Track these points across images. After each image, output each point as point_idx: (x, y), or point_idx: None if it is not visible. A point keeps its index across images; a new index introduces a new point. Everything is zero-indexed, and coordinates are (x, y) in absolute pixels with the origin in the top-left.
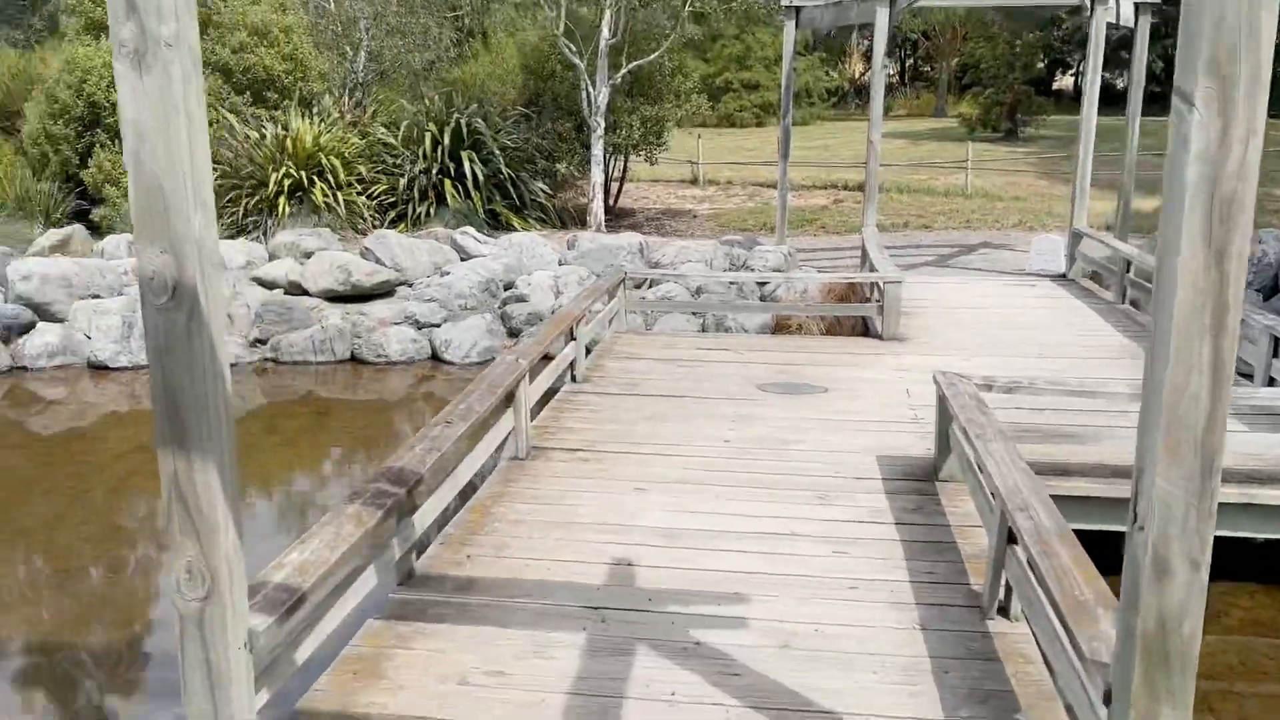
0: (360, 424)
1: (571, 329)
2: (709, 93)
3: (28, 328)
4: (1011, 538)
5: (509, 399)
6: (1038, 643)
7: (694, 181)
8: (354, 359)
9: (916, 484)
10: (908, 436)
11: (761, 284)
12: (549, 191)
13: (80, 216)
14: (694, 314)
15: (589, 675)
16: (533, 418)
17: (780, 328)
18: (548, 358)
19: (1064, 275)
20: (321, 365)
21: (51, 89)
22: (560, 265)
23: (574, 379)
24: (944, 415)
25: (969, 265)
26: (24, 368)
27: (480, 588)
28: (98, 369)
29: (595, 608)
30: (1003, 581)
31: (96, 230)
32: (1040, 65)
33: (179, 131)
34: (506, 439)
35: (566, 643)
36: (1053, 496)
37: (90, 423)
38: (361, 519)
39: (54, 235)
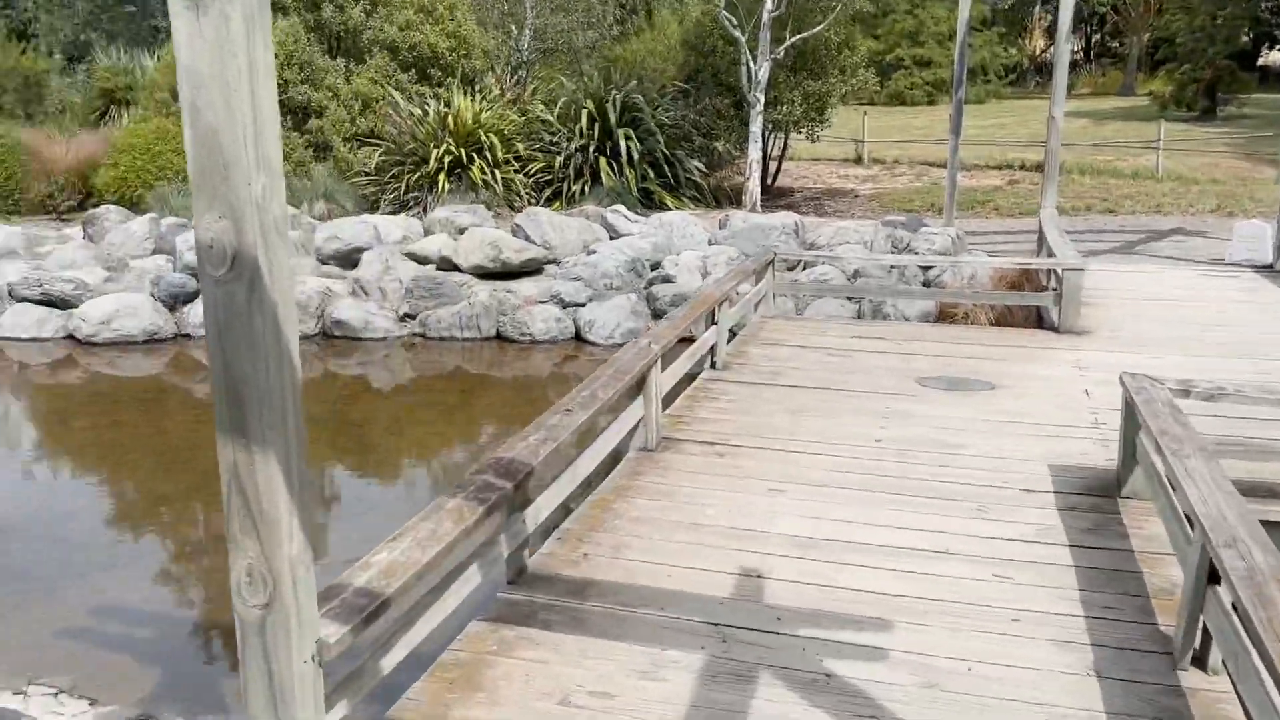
0: (502, 401)
1: (713, 311)
2: (878, 69)
3: (192, 297)
4: (1213, 576)
5: (638, 386)
6: (1243, 705)
7: (857, 160)
8: (499, 336)
9: (1095, 500)
10: (1086, 444)
11: (925, 268)
12: (704, 170)
13: None
14: (849, 299)
15: (703, 704)
16: (665, 406)
17: (944, 316)
18: (687, 340)
19: (1271, 266)
20: (467, 342)
21: None
22: (710, 245)
23: (713, 365)
24: (1131, 422)
25: (1159, 253)
26: (187, 335)
27: (594, 591)
28: None
29: (717, 624)
30: (1200, 626)
31: None
32: (1245, 39)
33: (239, 80)
34: (635, 428)
35: (682, 663)
36: (1261, 523)
37: None
38: (462, 515)
39: None
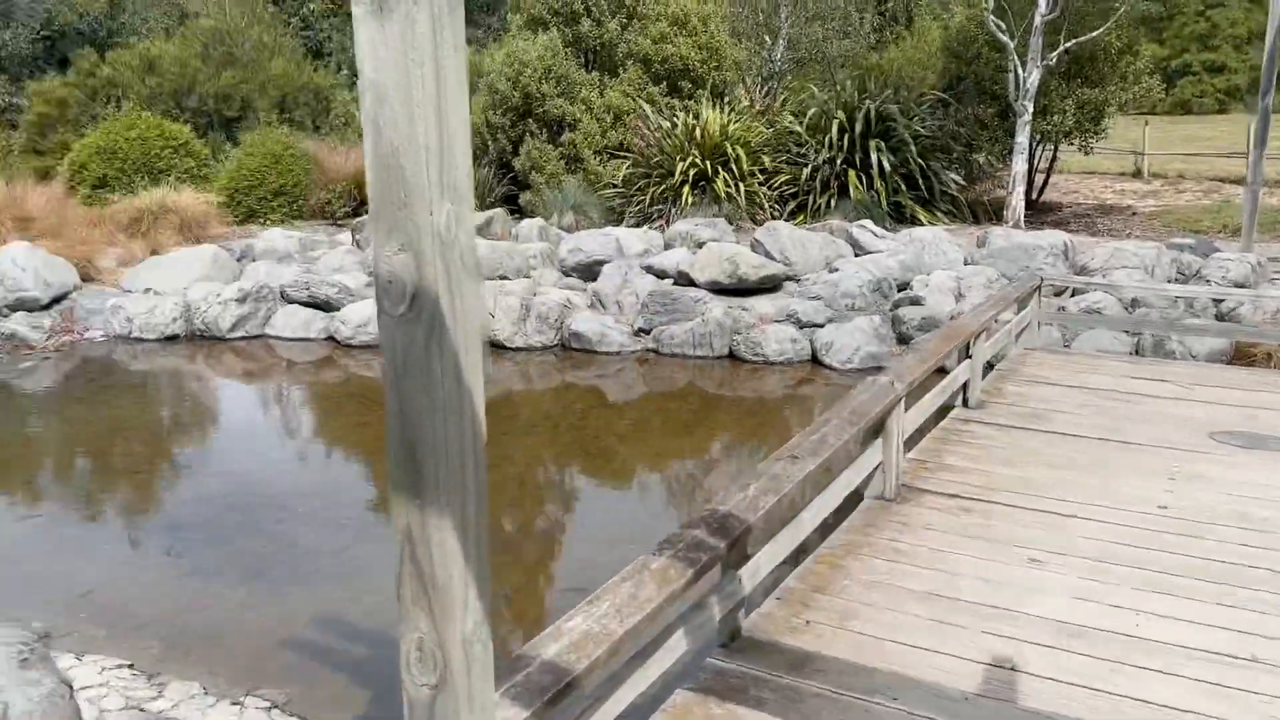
0: (733, 422)
1: (968, 344)
2: (1163, 76)
3: None
4: None
5: (877, 428)
6: None
7: (1136, 174)
8: (731, 355)
9: None
10: None
11: (1218, 300)
12: (961, 183)
13: (509, 201)
14: (1126, 332)
15: None
16: (908, 448)
17: (1241, 357)
18: (938, 371)
19: None
20: (699, 359)
21: (492, 81)
22: (965, 265)
23: (965, 403)
24: None
25: None
26: None
27: (815, 667)
28: (496, 347)
29: None
30: None
31: (523, 215)
32: None
33: (424, 92)
34: (872, 474)
35: None
36: None
37: (488, 397)
38: (668, 577)
39: (479, 217)
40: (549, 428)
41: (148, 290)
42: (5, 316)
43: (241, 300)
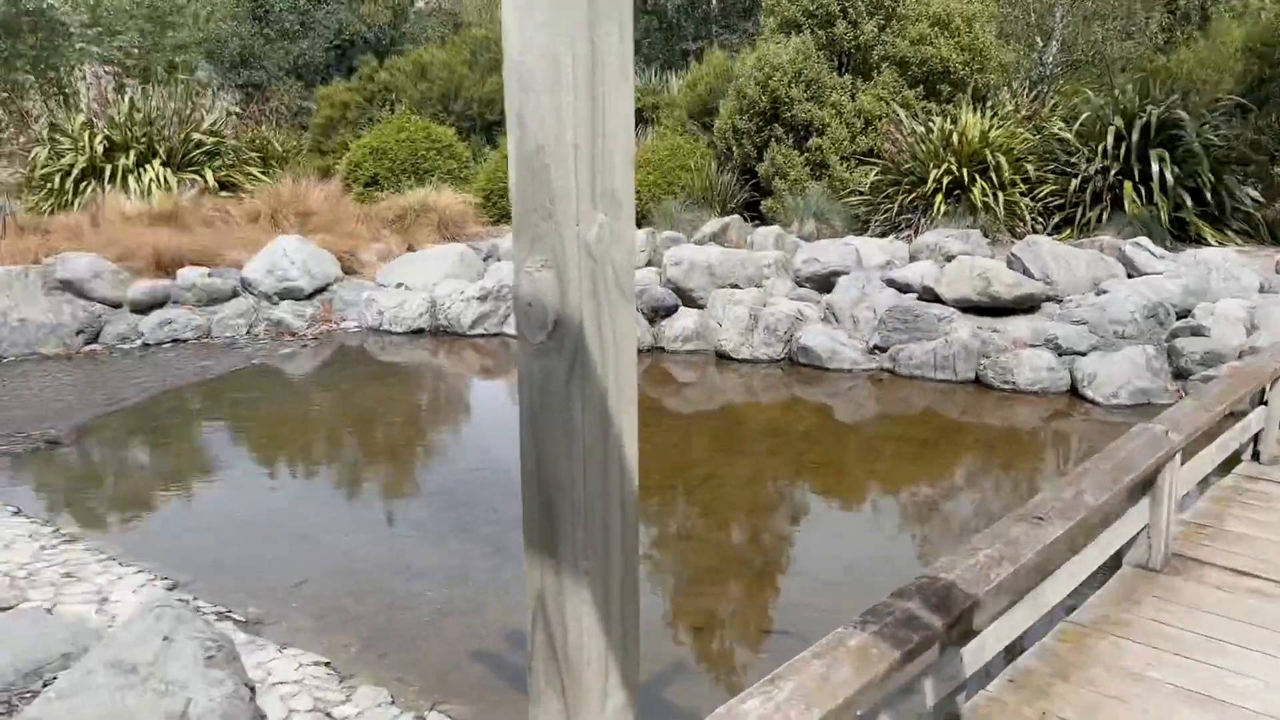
0: (972, 458)
1: (1263, 389)
2: None
3: (671, 311)
4: None
5: (1144, 485)
6: None
7: None
8: (976, 380)
9: None
10: None
11: None
12: (1259, 199)
13: (751, 207)
14: None
15: None
16: (1180, 508)
17: None
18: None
19: None
20: (939, 383)
21: (741, 85)
22: (1261, 293)
23: (1256, 457)
24: None
25: None
26: (662, 348)
27: None
28: (722, 358)
29: None
30: None
31: (762, 221)
32: None
33: (576, 78)
34: (1135, 537)
35: None
36: None
37: (710, 407)
38: (868, 658)
39: (715, 223)
40: (768, 446)
41: (399, 285)
42: (274, 304)
43: (482, 299)
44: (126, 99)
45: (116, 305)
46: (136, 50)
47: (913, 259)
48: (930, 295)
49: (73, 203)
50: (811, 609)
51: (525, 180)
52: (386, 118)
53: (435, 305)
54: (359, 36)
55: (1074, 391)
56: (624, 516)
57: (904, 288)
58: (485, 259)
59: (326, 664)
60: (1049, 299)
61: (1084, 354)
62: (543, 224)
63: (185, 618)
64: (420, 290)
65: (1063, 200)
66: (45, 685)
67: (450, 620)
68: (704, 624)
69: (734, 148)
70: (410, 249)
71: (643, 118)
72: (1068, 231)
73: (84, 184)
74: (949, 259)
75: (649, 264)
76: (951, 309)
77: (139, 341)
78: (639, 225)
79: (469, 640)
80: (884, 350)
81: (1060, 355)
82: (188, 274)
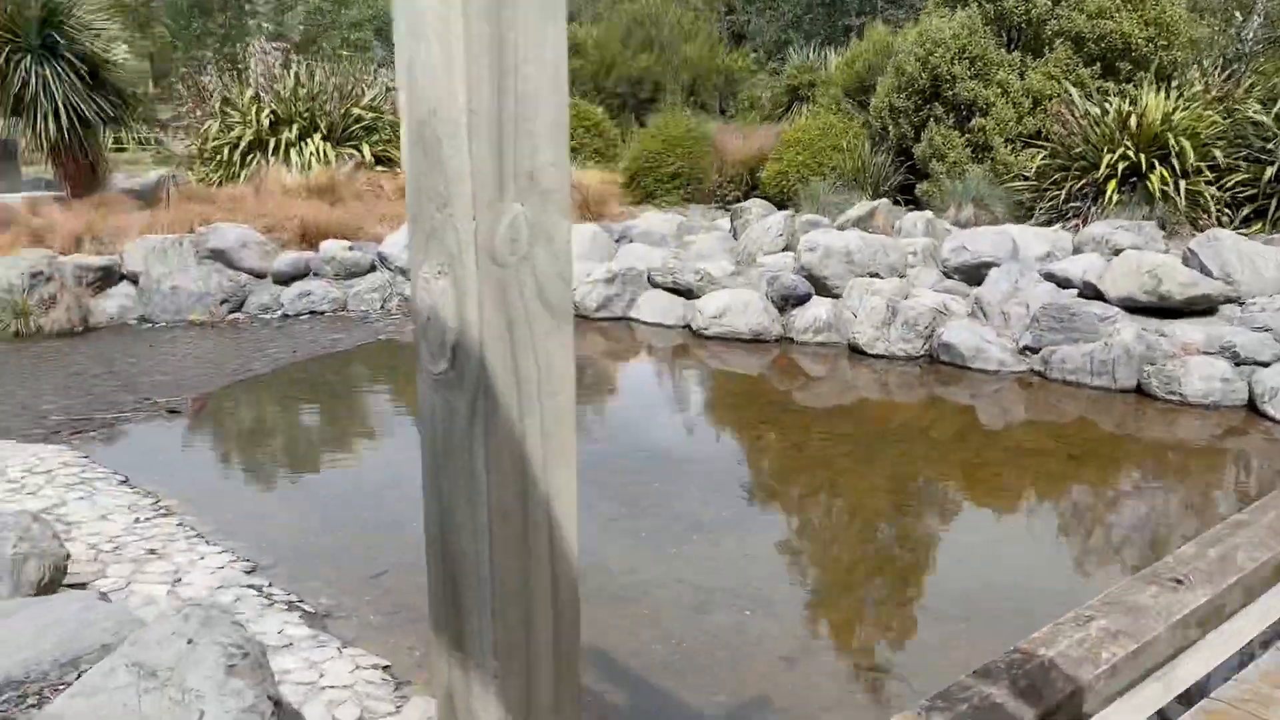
0: (1125, 480)
1: None
2: None
3: (803, 299)
4: None
5: None
6: None
7: None
8: (1139, 390)
9: None
10: None
11: None
12: None
13: (905, 191)
14: None
15: None
16: None
17: None
18: None
19: None
20: (1095, 390)
21: (900, 62)
22: None
23: None
24: None
25: None
26: (790, 339)
27: None
28: (855, 351)
29: None
30: None
31: (917, 206)
32: None
33: (473, 15)
34: None
35: None
36: None
37: (839, 404)
38: None
39: (862, 207)
40: (897, 452)
41: None
42: (408, 279)
43: (610, 281)
44: (292, 74)
45: (261, 276)
46: (316, 28)
47: (1076, 251)
48: (1092, 292)
49: (239, 174)
50: (922, 646)
51: (418, 157)
52: None
53: None
54: None
55: (1251, 407)
56: (557, 610)
57: (1063, 282)
58: (618, 240)
59: (385, 667)
60: (1228, 300)
61: (1266, 365)
62: (437, 215)
63: (213, 619)
64: None
65: (1255, 191)
66: (80, 677)
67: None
68: (795, 653)
69: (890, 127)
70: None
71: (798, 95)
72: (1258, 226)
73: (250, 156)
74: (1116, 253)
75: (785, 249)
76: (1115, 308)
77: (279, 312)
78: (782, 206)
79: None
80: (1035, 351)
81: (1237, 365)
82: (328, 247)
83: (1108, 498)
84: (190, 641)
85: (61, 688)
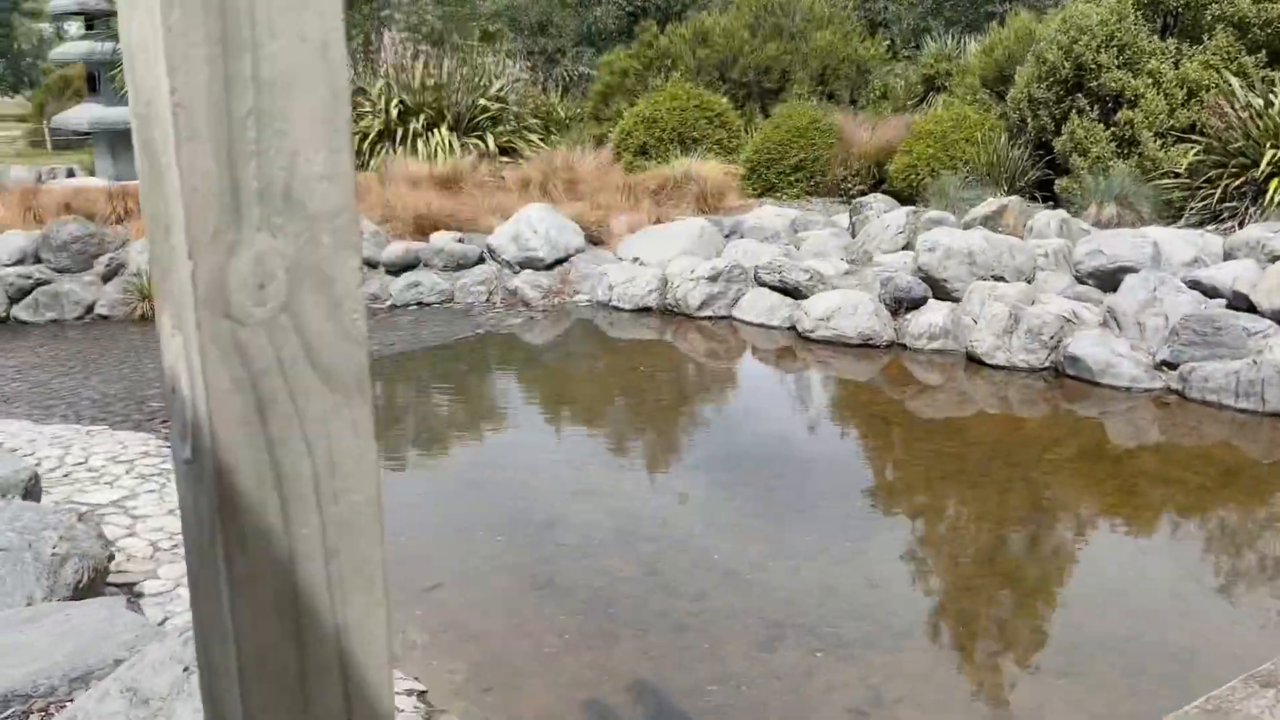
0: (1260, 521)
1: None
2: None
3: (918, 303)
4: None
5: None
6: None
7: None
8: None
9: None
10: None
11: None
12: None
13: (1043, 186)
14: None
15: None
16: None
17: None
18: None
19: None
20: (1241, 413)
21: (1042, 50)
22: None
23: None
24: None
25: None
26: (903, 345)
27: None
28: (972, 361)
29: None
30: None
31: (1056, 204)
32: None
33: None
34: None
35: None
36: None
37: (948, 420)
38: None
39: (990, 205)
40: (1007, 476)
41: (635, 259)
42: (515, 272)
43: (713, 278)
44: (420, 64)
45: (374, 265)
46: (453, 20)
47: (1227, 256)
48: (1243, 303)
49: (367, 164)
50: (1015, 704)
51: (144, 167)
52: (661, 85)
53: (665, 283)
54: (650, 3)
55: None
56: None
57: (1210, 291)
58: (727, 235)
59: (421, 693)
60: None
61: None
62: (161, 246)
63: None
64: (653, 266)
65: None
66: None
67: (568, 657)
68: (867, 704)
69: (1028, 119)
70: (658, 221)
71: (934, 85)
72: None
73: (379, 146)
74: (1274, 259)
75: (905, 247)
76: (1268, 321)
77: (387, 303)
78: (907, 202)
79: (583, 688)
80: (1173, 367)
81: None
82: (439, 238)
83: (1234, 544)
84: (187, 670)
85: (67, 704)
